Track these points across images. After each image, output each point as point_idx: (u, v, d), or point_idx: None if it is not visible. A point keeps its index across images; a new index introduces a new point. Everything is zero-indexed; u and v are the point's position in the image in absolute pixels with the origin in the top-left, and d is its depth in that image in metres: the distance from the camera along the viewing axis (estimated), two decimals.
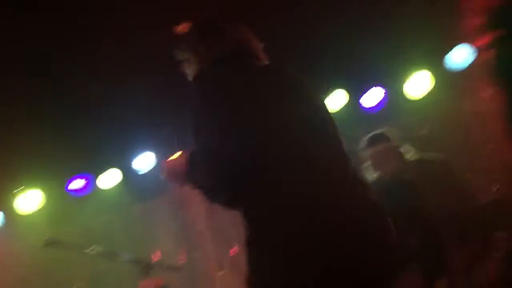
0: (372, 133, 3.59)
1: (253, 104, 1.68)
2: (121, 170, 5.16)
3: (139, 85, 4.35)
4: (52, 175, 4.88)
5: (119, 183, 5.15)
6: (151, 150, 5.15)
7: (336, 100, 5.18)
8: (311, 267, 1.45)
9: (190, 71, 1.97)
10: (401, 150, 3.55)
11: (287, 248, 1.47)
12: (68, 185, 4.95)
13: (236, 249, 4.58)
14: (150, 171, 5.16)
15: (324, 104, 1.90)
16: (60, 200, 5.00)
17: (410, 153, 3.56)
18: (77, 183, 4.99)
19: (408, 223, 2.34)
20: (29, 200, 4.82)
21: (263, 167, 1.56)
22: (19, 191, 4.81)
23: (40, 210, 4.86)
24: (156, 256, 4.54)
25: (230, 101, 1.65)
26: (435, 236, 3.08)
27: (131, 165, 5.13)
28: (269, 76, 1.84)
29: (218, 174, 1.54)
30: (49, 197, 4.92)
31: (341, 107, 5.19)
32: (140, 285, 2.33)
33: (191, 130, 1.67)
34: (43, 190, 4.89)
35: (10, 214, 4.87)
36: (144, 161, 5.16)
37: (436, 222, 3.12)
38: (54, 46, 3.87)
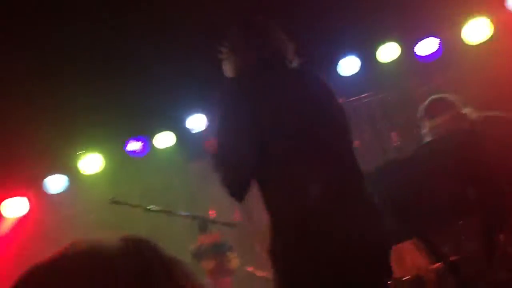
0: (430, 100, 3.22)
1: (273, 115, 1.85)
2: (175, 131, 5.30)
3: (190, 48, 4.40)
4: (110, 138, 5.09)
5: (174, 144, 5.30)
6: (202, 112, 5.25)
7: (388, 52, 5.08)
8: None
9: (227, 68, 2.11)
10: (464, 112, 3.24)
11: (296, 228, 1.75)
12: (126, 147, 5.15)
13: None
14: (202, 131, 5.27)
15: (341, 106, 2.12)
16: (120, 162, 5.23)
17: (470, 113, 3.29)
18: (134, 145, 5.18)
19: (466, 175, 2.31)
20: (91, 163, 5.07)
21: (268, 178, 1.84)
22: (80, 154, 5.06)
23: (101, 172, 5.11)
24: (212, 213, 4.71)
25: (252, 117, 1.82)
26: (496, 189, 2.98)
27: (185, 125, 5.26)
28: (296, 80, 2.00)
29: (221, 183, 1.84)
30: (109, 159, 5.15)
31: (394, 58, 5.07)
32: (198, 240, 2.42)
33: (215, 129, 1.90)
34: (103, 153, 5.12)
35: (74, 177, 5.15)
36: (197, 122, 5.27)
37: (498, 175, 3.00)
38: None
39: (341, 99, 5.44)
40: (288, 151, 1.81)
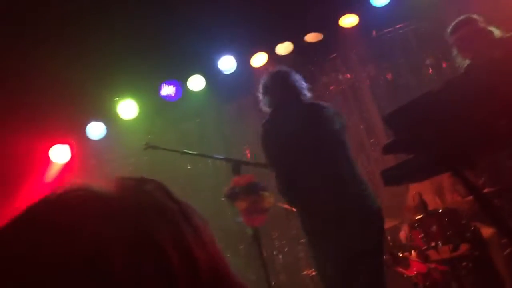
0: (457, 19, 3.40)
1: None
2: (206, 73, 5.31)
3: None
4: (144, 84, 5.15)
5: (206, 86, 5.33)
6: (231, 53, 5.22)
7: None
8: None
9: (263, 104, 3.10)
10: (489, 29, 3.27)
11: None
12: (159, 91, 5.23)
13: None
14: (233, 73, 5.27)
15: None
16: (154, 107, 5.32)
17: (496, 32, 3.28)
18: (168, 89, 5.24)
19: (498, 106, 2.26)
20: (127, 109, 5.18)
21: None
22: (116, 101, 5.17)
23: (137, 117, 5.22)
24: (246, 154, 4.79)
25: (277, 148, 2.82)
26: None
27: (216, 67, 5.26)
28: (306, 111, 2.92)
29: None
30: (144, 104, 5.24)
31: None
32: (232, 182, 2.50)
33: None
34: (138, 98, 5.21)
35: (112, 123, 5.29)
36: (227, 63, 5.26)
37: None
38: None
39: (374, 31, 5.43)
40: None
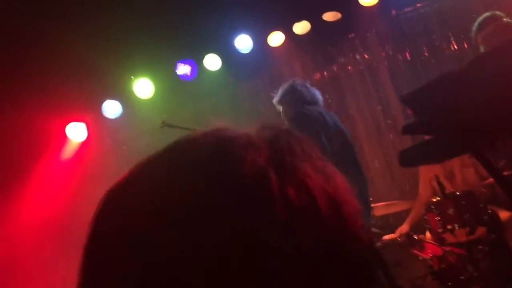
0: (481, 17, 3.48)
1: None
2: (223, 52, 5.28)
3: None
4: (160, 63, 5.14)
5: (222, 65, 5.30)
6: (247, 32, 5.17)
7: None
8: None
9: (284, 113, 3.55)
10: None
11: None
12: (175, 70, 5.21)
13: None
14: (249, 52, 5.23)
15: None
16: (170, 86, 5.31)
17: None
18: (184, 69, 5.22)
19: None
20: (143, 88, 5.18)
21: None
22: (132, 80, 5.17)
23: (153, 96, 5.23)
24: None
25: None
26: None
27: (232, 47, 5.22)
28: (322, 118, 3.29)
29: None
30: (159, 83, 5.24)
31: None
32: None
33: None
34: (154, 77, 5.21)
35: (127, 102, 5.31)
36: (244, 42, 5.22)
37: None
38: None
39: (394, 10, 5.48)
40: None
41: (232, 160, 0.53)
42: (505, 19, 3.39)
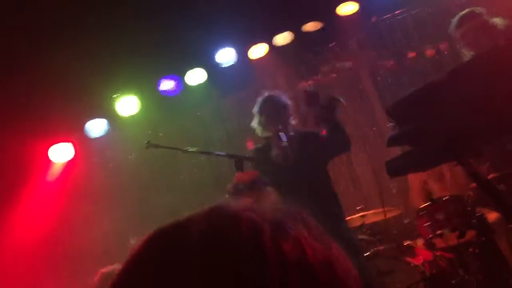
0: (460, 13, 3.42)
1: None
2: (205, 67, 5.27)
3: None
4: (144, 80, 5.12)
5: (206, 80, 5.29)
6: (230, 45, 5.18)
7: None
8: None
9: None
10: (493, 22, 3.29)
11: None
12: (158, 87, 5.19)
13: None
14: (232, 65, 5.23)
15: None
16: (155, 102, 5.29)
17: (500, 22, 3.30)
18: (167, 84, 5.20)
19: (502, 93, 2.26)
20: (127, 105, 5.15)
21: None
22: (116, 97, 5.14)
23: (138, 113, 5.20)
24: (249, 147, 4.77)
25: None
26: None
27: (215, 61, 5.22)
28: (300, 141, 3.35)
29: None
30: (144, 100, 5.21)
31: None
32: (235, 178, 2.48)
33: None
34: (138, 94, 5.18)
35: (113, 120, 5.27)
36: (226, 56, 5.22)
37: None
38: None
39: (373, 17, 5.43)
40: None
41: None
42: (484, 17, 3.34)
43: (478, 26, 3.27)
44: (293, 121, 3.47)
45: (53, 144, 5.17)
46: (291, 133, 3.33)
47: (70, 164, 5.26)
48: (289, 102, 3.50)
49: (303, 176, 3.14)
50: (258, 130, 3.44)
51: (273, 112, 3.37)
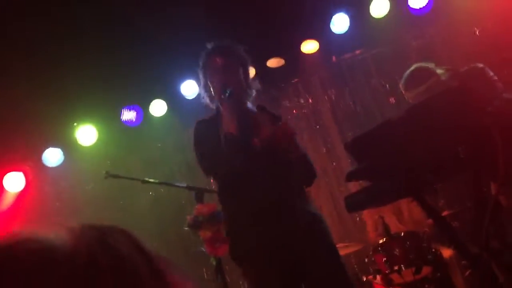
0: (410, 70, 3.25)
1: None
2: (168, 98, 5.27)
3: (180, 16, 4.34)
4: (104, 109, 5.06)
5: (168, 111, 5.27)
6: (194, 78, 5.20)
7: (379, 7, 5.04)
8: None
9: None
10: (439, 74, 3.24)
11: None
12: (120, 117, 5.14)
13: None
14: (195, 97, 5.24)
15: None
16: (115, 132, 5.22)
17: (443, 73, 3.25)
18: (129, 114, 5.16)
19: (456, 131, 2.34)
20: (86, 135, 5.06)
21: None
22: (75, 127, 5.05)
23: (96, 143, 5.11)
24: (210, 180, 4.73)
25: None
26: (487, 141, 2.99)
27: (178, 92, 5.22)
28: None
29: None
30: (103, 130, 5.13)
31: (385, 13, 5.04)
32: (195, 211, 2.45)
33: None
34: (97, 124, 5.10)
35: (70, 149, 5.16)
36: (189, 88, 5.23)
37: (487, 127, 3.01)
38: None
39: (334, 56, 5.37)
40: None
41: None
42: (430, 70, 3.16)
43: (428, 88, 3.09)
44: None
45: (5, 173, 5.01)
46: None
47: (22, 194, 5.08)
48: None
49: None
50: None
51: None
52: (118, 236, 0.57)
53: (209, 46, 2.81)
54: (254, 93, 2.73)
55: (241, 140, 2.43)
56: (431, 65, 3.24)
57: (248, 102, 2.71)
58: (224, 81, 2.58)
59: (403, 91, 3.28)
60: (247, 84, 2.69)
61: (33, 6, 3.92)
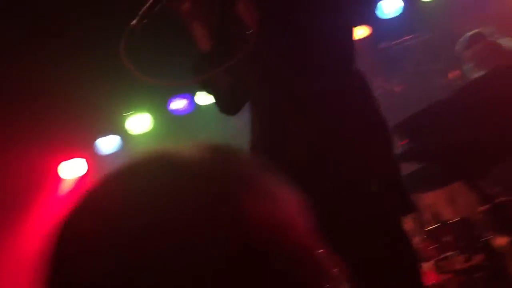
0: (468, 33, 3.42)
1: None
2: None
3: None
4: (157, 98, 5.20)
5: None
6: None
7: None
8: None
9: None
10: (501, 42, 3.32)
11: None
12: (169, 105, 5.28)
13: None
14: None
15: None
16: (167, 120, 5.37)
17: (506, 43, 3.32)
18: (179, 103, 5.28)
19: (506, 109, 2.28)
20: (140, 123, 5.24)
21: None
22: (129, 115, 5.23)
23: (151, 131, 5.27)
24: None
25: None
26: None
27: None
28: None
29: None
30: (156, 118, 5.29)
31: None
32: None
33: None
34: (151, 112, 5.26)
35: (124, 137, 5.35)
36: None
37: None
38: None
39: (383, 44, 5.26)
40: None
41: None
42: (490, 38, 3.33)
43: (487, 47, 3.26)
44: None
45: (64, 160, 5.25)
46: None
47: (82, 180, 5.31)
48: None
49: None
50: None
51: None
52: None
53: None
54: None
55: None
56: (489, 31, 3.40)
57: None
58: None
59: (459, 53, 3.40)
60: None
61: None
